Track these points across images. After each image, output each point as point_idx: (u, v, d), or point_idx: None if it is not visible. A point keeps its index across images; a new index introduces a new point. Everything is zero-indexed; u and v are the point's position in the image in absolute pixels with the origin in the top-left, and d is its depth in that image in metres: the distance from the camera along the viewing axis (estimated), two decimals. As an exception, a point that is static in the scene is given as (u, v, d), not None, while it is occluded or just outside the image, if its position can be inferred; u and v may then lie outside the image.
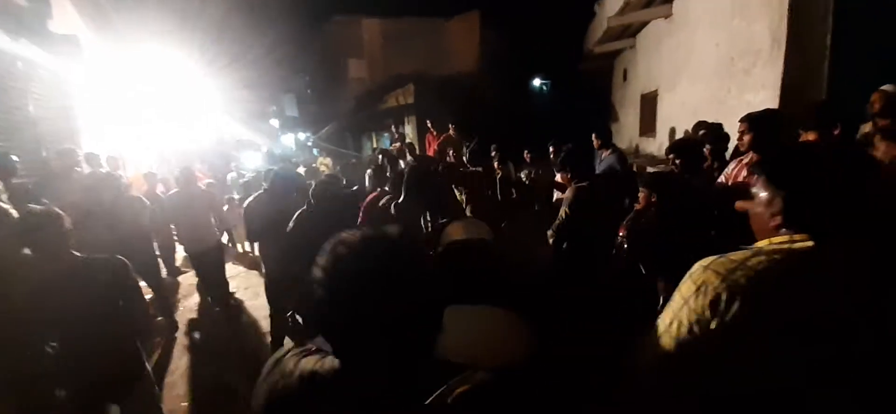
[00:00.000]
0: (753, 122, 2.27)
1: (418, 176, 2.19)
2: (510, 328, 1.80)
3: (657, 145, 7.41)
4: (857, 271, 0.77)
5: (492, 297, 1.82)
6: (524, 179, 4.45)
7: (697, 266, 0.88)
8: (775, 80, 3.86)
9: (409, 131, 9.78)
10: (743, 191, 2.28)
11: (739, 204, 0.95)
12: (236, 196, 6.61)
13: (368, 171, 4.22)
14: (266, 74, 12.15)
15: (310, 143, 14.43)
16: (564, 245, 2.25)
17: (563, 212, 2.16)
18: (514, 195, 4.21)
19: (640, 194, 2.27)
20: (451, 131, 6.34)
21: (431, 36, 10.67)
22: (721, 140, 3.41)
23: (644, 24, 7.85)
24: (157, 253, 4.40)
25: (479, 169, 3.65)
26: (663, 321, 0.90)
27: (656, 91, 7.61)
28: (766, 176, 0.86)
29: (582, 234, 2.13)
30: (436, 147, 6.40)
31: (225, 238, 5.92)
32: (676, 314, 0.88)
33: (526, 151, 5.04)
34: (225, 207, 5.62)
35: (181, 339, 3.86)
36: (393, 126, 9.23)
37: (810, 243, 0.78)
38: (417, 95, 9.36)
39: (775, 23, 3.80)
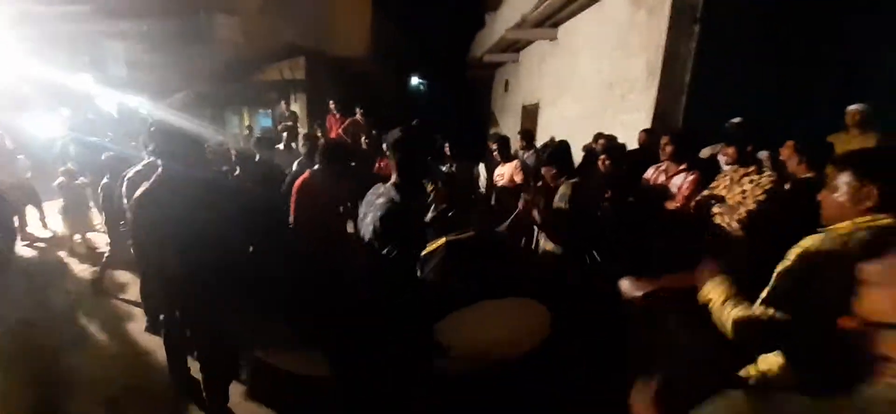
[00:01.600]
0: (675, 137, 2.77)
1: (331, 149, 2.68)
2: (531, 317, 1.80)
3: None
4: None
5: (509, 288, 1.81)
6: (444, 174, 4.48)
7: (809, 241, 1.10)
8: (648, 106, 4.79)
9: (297, 109, 8.72)
10: (665, 192, 2.76)
11: (821, 195, 1.16)
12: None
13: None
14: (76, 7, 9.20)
15: (144, 113, 11.45)
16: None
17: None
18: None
19: (545, 171, 2.54)
20: (358, 116, 5.94)
21: (319, 8, 9.71)
22: (618, 150, 4.08)
23: (529, 42, 8.79)
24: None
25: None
26: (785, 264, 1.11)
27: (538, 103, 8.60)
28: (854, 170, 1.08)
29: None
30: (339, 130, 5.90)
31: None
32: (801, 259, 1.06)
33: (447, 145, 5.10)
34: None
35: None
36: (281, 102, 8.09)
37: (891, 219, 1.02)
38: (309, 71, 8.44)
39: (652, 59, 4.71)
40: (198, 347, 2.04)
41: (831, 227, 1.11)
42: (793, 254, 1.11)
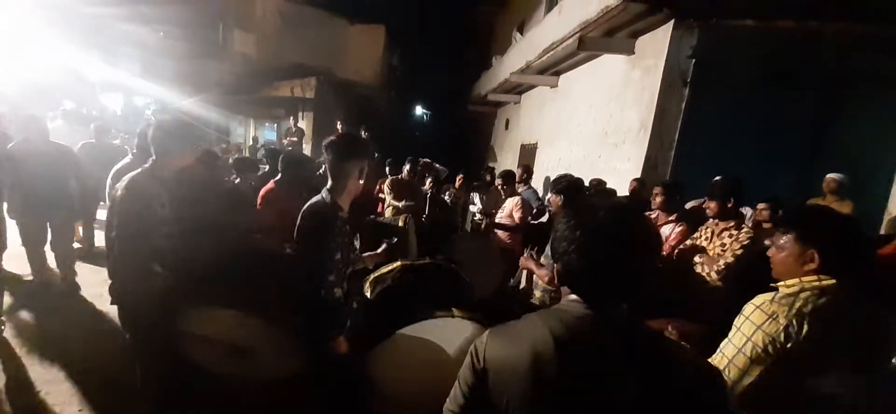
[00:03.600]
0: (666, 188, 2.97)
1: (290, 159, 2.89)
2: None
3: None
4: (863, 296, 1.16)
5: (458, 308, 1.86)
6: (447, 200, 4.65)
7: (761, 300, 1.19)
8: (639, 156, 5.04)
9: (304, 126, 8.94)
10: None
11: (770, 252, 1.30)
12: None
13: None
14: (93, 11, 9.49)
15: (150, 113, 11.59)
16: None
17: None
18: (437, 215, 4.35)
19: (552, 199, 2.63)
20: (363, 136, 6.13)
21: (333, 34, 10.15)
22: (605, 194, 4.28)
23: (532, 86, 9.19)
24: None
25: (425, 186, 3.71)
26: (734, 345, 1.20)
27: (536, 143, 8.91)
28: (796, 234, 1.22)
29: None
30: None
31: None
32: (750, 337, 1.15)
33: (459, 175, 5.34)
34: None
35: None
36: (289, 118, 8.30)
37: (833, 281, 1.15)
38: (318, 91, 8.71)
39: (644, 113, 5.00)
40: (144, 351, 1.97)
41: (781, 283, 1.24)
42: (747, 309, 1.24)
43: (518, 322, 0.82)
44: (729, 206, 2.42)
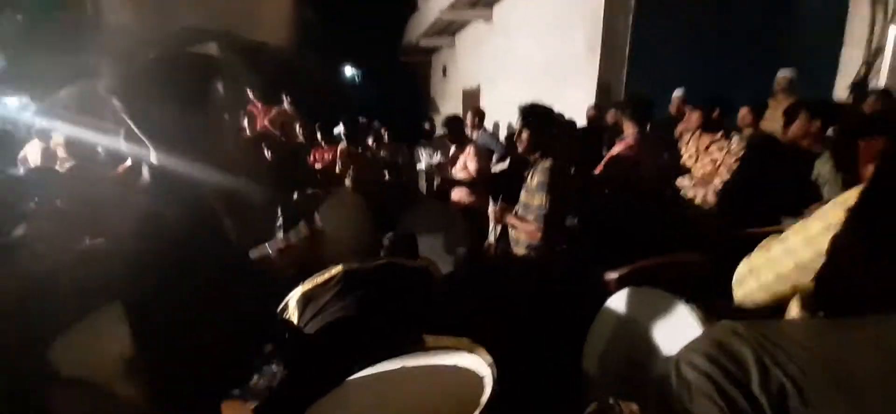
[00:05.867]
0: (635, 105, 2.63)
1: None
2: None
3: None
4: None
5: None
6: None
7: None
8: (591, 82, 4.74)
9: (210, 103, 7.61)
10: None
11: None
12: None
13: None
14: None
15: (32, 113, 9.37)
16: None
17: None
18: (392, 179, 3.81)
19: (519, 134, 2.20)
20: (285, 105, 5.28)
21: (229, -10, 8.60)
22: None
23: (465, 24, 8.53)
24: None
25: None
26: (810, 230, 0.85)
27: (478, 87, 8.41)
28: None
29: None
30: (265, 121, 5.20)
31: None
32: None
33: (383, 129, 4.74)
34: None
35: None
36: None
37: None
38: (223, 59, 7.40)
39: (591, 34, 4.65)
40: None
41: None
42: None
43: None
44: (714, 115, 2.13)
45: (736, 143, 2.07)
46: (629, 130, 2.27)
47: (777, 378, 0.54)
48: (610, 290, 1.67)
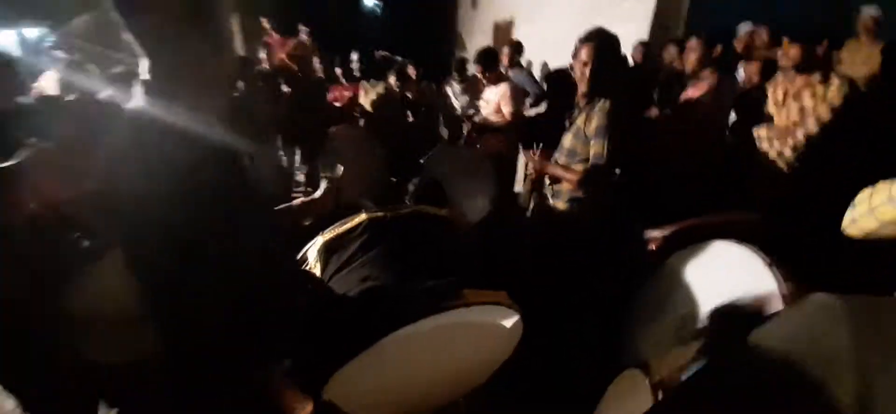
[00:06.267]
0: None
1: None
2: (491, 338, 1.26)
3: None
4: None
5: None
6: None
7: None
8: (645, 14, 4.16)
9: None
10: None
11: None
12: None
13: None
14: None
15: (49, 45, 9.35)
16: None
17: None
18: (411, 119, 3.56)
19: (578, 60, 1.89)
20: (302, 36, 4.97)
21: None
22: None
23: (501, -55, 7.66)
24: None
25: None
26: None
27: (512, 20, 7.70)
28: None
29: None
30: (283, 55, 4.93)
31: None
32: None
33: (411, 67, 4.36)
34: None
35: None
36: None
37: None
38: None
39: (649, -46, 4.00)
40: None
41: None
42: None
43: None
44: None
45: (835, 89, 1.68)
46: (707, 73, 1.90)
47: (879, 386, 0.41)
48: (652, 249, 1.47)
